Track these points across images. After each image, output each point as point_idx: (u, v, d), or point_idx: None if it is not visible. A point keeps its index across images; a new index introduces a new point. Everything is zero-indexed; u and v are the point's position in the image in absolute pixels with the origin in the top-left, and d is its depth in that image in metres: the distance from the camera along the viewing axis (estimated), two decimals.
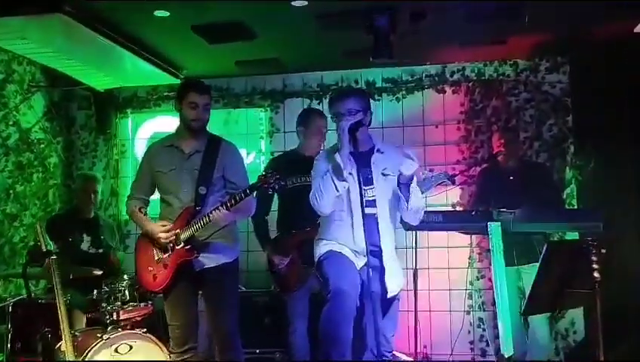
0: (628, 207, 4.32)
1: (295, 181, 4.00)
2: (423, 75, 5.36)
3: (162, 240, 3.38)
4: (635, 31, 4.32)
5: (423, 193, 3.75)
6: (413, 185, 3.11)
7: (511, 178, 4.43)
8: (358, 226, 3.07)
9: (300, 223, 3.88)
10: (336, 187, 3.05)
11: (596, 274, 2.74)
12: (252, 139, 5.58)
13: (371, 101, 5.33)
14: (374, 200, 3.17)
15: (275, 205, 4.22)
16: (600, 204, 4.52)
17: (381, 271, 3.17)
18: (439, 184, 4.36)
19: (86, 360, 3.48)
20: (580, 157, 4.99)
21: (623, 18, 4.18)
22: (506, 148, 4.50)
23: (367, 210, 3.09)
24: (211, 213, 3.24)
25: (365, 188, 3.12)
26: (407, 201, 3.09)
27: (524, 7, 3.98)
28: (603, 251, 2.76)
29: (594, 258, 2.74)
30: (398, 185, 3.10)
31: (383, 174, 3.20)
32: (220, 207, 3.22)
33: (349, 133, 3.07)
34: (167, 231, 3.36)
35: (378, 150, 3.26)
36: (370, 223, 3.12)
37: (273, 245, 4.09)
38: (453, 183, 4.84)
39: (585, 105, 4.97)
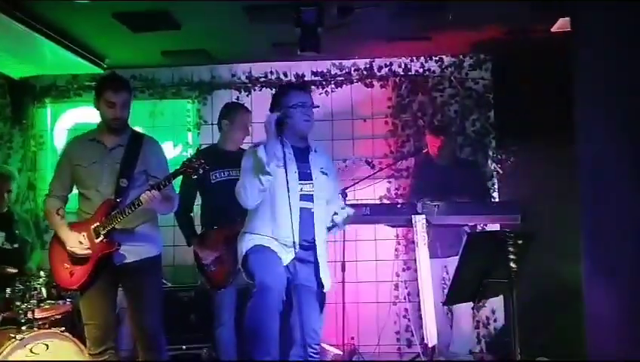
0: (546, 199, 4.50)
1: (217, 176, 3.95)
2: (352, 69, 5.40)
3: (75, 254, 3.28)
4: (552, 30, 4.49)
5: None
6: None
7: (446, 173, 4.54)
8: (286, 219, 3.05)
9: (224, 218, 3.82)
10: (260, 181, 3.03)
11: (513, 265, 2.84)
12: (179, 131, 5.46)
13: None
14: (312, 196, 3.18)
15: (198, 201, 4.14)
16: (519, 197, 4.69)
17: (315, 266, 3.18)
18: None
19: None
20: (501, 151, 5.17)
21: (541, 19, 4.34)
22: (442, 146, 4.60)
23: (303, 204, 3.12)
24: (142, 196, 3.16)
25: (302, 182, 3.14)
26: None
27: (448, 5, 4.07)
28: (520, 242, 2.86)
29: (511, 249, 2.84)
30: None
31: (322, 172, 3.24)
32: (151, 190, 3.15)
33: (275, 125, 3.05)
34: (81, 247, 3.27)
35: (314, 149, 3.30)
36: (306, 218, 3.14)
37: (200, 241, 4.02)
38: (373, 167, 5.00)
39: (506, 101, 5.15)
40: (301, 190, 3.11)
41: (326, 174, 3.25)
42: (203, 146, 5.19)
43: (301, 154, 3.20)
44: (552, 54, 4.65)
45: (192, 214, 4.11)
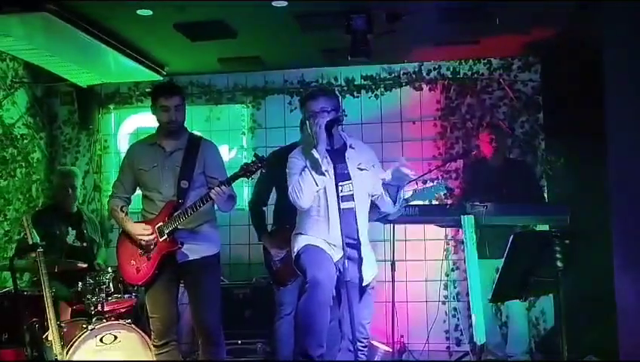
0: (595, 200, 4.48)
1: None
2: (401, 72, 5.49)
3: (142, 242, 3.47)
4: None
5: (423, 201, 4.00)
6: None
7: (497, 174, 4.59)
8: (335, 221, 3.19)
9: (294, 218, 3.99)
10: (315, 182, 3.18)
11: (559, 264, 2.89)
12: (234, 135, 5.66)
13: (351, 98, 5.55)
14: (352, 195, 3.30)
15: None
16: (569, 198, 4.69)
17: (359, 261, 3.31)
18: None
19: (71, 351, 3.58)
20: (550, 152, 5.17)
21: (590, 19, 4.34)
22: (496, 145, 4.66)
23: (345, 205, 3.22)
24: (211, 192, 3.32)
25: (342, 183, 3.23)
26: (395, 201, 3.31)
27: (495, 9, 4.13)
28: (567, 242, 2.92)
29: (557, 248, 2.89)
30: (384, 185, 3.26)
31: (360, 169, 3.34)
32: (220, 186, 3.32)
33: (325, 130, 3.21)
34: (147, 232, 3.45)
35: (350, 146, 3.39)
36: (348, 217, 3.25)
37: (271, 237, 4.21)
38: (451, 192, 5.13)
39: (555, 102, 5.13)
40: (341, 191, 3.20)
41: (365, 170, 3.34)
42: (257, 149, 5.36)
43: (337, 155, 3.28)
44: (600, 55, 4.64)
45: (264, 208, 4.30)
